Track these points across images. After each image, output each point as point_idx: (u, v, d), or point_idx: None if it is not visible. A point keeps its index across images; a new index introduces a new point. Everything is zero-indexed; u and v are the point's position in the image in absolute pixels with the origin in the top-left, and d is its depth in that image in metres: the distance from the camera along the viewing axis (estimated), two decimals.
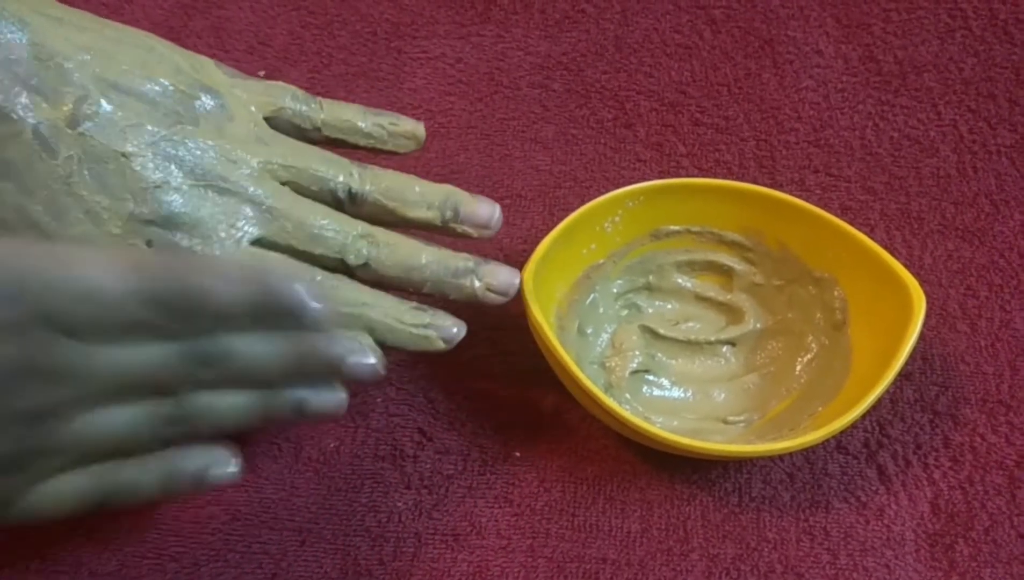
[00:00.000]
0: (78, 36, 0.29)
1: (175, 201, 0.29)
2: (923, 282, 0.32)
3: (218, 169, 0.29)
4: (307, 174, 0.31)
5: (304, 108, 0.33)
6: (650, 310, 0.37)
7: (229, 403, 0.26)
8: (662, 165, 0.41)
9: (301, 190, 0.31)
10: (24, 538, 0.32)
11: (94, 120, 0.28)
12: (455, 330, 0.30)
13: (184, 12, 0.46)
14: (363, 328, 0.30)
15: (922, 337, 0.33)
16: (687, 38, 0.45)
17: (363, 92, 0.44)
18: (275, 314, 0.24)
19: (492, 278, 0.31)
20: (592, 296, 0.36)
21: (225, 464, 0.27)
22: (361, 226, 0.31)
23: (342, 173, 0.31)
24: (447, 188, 0.32)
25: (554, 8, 0.47)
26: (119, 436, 0.25)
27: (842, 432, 0.31)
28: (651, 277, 0.37)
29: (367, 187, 0.32)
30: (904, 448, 0.33)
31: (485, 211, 0.32)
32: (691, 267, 0.37)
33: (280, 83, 0.33)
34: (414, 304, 0.31)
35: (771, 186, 0.36)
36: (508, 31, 0.46)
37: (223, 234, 0.29)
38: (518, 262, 0.32)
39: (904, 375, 0.35)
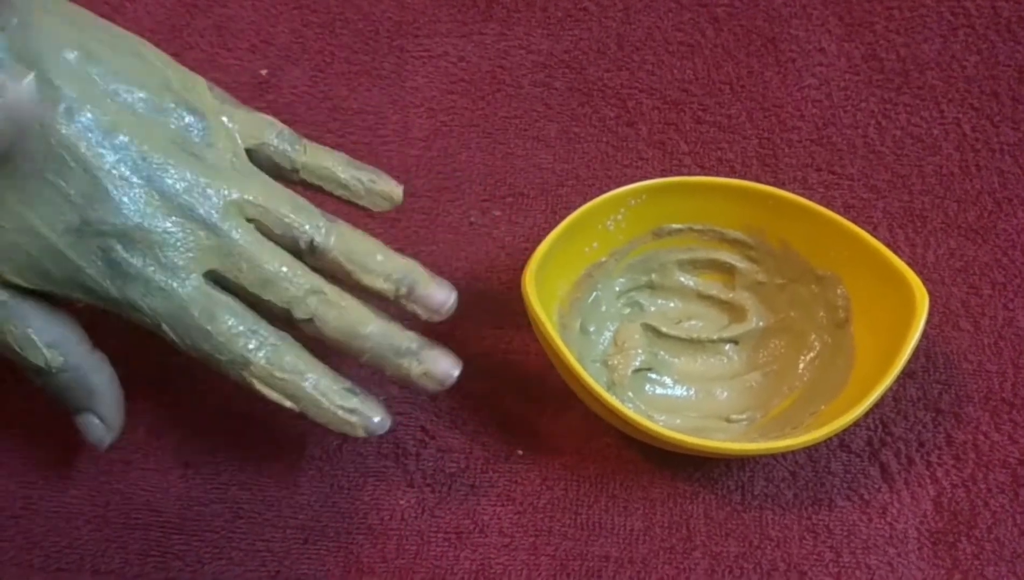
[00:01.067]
0: (67, 31, 0.28)
1: (136, 216, 0.28)
2: (926, 280, 0.32)
3: (187, 194, 0.29)
4: (275, 216, 0.30)
5: (287, 148, 0.32)
6: (652, 308, 0.37)
7: None
8: (664, 163, 0.41)
9: (265, 231, 0.30)
10: (27, 535, 0.32)
11: (67, 118, 0.27)
12: (377, 420, 0.30)
13: (186, 11, 0.46)
14: (291, 396, 0.29)
15: (925, 335, 0.33)
16: (689, 36, 0.45)
17: (365, 90, 0.44)
18: None
19: (432, 365, 0.30)
20: (594, 294, 0.36)
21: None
22: (316, 280, 0.30)
23: (309, 223, 0.30)
24: (409, 263, 0.31)
25: (556, 6, 0.47)
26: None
27: (845, 430, 0.31)
28: (653, 275, 0.37)
29: (331, 242, 0.30)
30: (907, 446, 0.33)
31: (439, 297, 0.31)
32: (693, 265, 0.37)
33: (270, 117, 0.32)
34: (348, 384, 0.30)
35: (774, 184, 0.36)
36: (510, 29, 0.46)
37: (178, 261, 0.28)
38: (520, 260, 0.32)
39: (907, 373, 0.35)
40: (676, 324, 0.37)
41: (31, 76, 0.27)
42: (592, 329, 0.36)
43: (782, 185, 0.39)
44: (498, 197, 0.40)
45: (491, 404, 0.35)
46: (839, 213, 0.34)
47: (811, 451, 0.34)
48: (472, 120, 0.43)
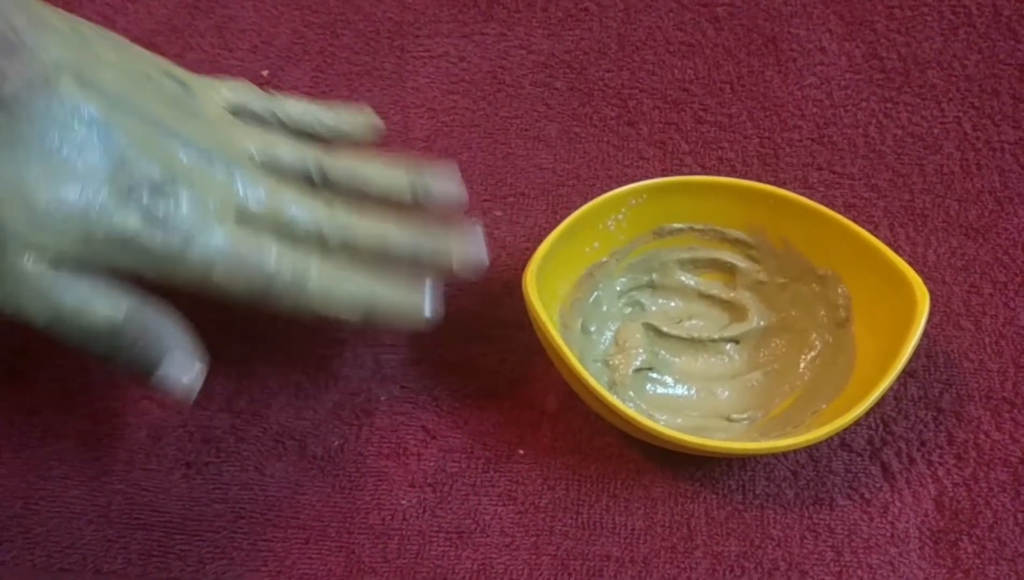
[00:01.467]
0: (50, 16, 0.29)
1: (161, 167, 0.28)
2: (927, 279, 0.32)
3: (204, 143, 0.29)
4: (281, 156, 0.32)
5: (267, 103, 0.34)
6: (653, 308, 0.37)
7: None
8: (665, 163, 0.41)
9: (276, 171, 0.31)
10: (29, 535, 0.32)
11: (78, 85, 0.27)
12: (431, 304, 0.31)
13: (187, 11, 0.47)
14: (349, 304, 0.30)
15: (926, 334, 0.33)
16: (690, 36, 0.45)
17: (366, 91, 0.44)
18: None
19: (462, 252, 0.32)
20: (595, 294, 0.36)
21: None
22: (337, 206, 0.31)
23: (313, 155, 0.32)
24: (414, 166, 0.33)
25: (557, 6, 0.47)
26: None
27: (846, 429, 0.31)
28: (654, 275, 0.37)
29: (339, 166, 0.32)
30: (908, 445, 0.33)
31: (452, 187, 0.33)
32: (694, 265, 0.37)
33: (243, 80, 0.34)
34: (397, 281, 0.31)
35: (774, 183, 0.36)
36: (511, 29, 0.46)
37: (211, 205, 0.29)
38: (521, 260, 0.32)
39: (908, 372, 0.35)
40: (677, 323, 0.37)
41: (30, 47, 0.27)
42: (593, 329, 0.36)
43: (783, 184, 0.39)
44: (498, 197, 0.40)
45: (492, 404, 0.35)
46: (840, 212, 0.34)
47: (812, 450, 0.34)
48: (473, 120, 0.43)
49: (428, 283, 0.31)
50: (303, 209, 0.31)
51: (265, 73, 0.44)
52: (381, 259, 0.31)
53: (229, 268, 0.29)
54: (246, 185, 0.30)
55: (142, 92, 0.29)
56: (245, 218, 0.30)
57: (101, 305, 0.28)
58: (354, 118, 0.35)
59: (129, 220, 0.28)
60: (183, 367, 0.29)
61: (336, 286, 0.30)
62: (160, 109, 0.29)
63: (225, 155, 0.30)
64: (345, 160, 0.33)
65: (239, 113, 0.33)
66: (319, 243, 0.31)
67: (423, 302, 0.31)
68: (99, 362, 0.29)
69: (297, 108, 0.34)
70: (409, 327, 0.31)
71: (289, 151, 0.32)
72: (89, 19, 0.31)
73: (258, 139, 0.32)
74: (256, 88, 0.34)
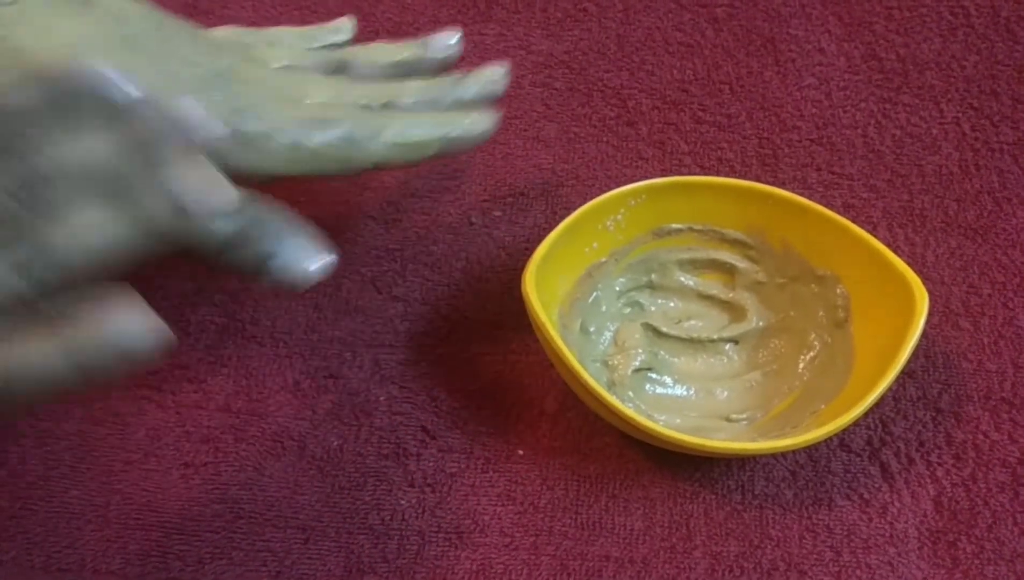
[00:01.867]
0: None
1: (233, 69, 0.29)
2: (926, 280, 0.32)
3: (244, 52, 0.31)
4: (301, 63, 0.33)
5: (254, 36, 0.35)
6: (653, 308, 0.37)
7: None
8: (664, 163, 0.41)
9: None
10: (28, 535, 0.32)
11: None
12: (493, 120, 0.33)
13: (187, 11, 0.47)
14: (427, 140, 0.31)
15: (925, 335, 0.33)
16: (689, 36, 0.45)
17: None
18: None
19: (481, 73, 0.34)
20: (595, 294, 0.36)
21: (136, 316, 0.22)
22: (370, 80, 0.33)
23: (326, 55, 0.33)
24: (414, 40, 0.35)
25: (556, 7, 0.47)
26: None
27: (845, 430, 0.31)
28: (653, 275, 0.37)
29: (355, 52, 0.34)
30: (907, 445, 0.34)
31: (448, 36, 0.35)
32: (693, 265, 0.37)
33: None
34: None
35: (773, 184, 0.36)
36: (510, 30, 0.46)
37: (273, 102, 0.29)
38: (521, 260, 0.32)
39: (907, 373, 0.35)
40: (676, 324, 0.37)
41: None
42: (592, 329, 0.36)
43: (782, 185, 0.39)
44: (498, 197, 0.40)
45: (491, 404, 0.35)
46: (839, 213, 0.34)
47: (811, 451, 0.34)
48: None
49: (475, 100, 0.33)
50: (343, 87, 0.31)
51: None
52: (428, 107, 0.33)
53: (311, 143, 0.29)
54: (292, 80, 0.31)
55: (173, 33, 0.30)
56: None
57: (216, 185, 0.26)
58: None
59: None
60: (304, 257, 0.27)
61: (407, 128, 0.31)
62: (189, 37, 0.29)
63: (262, 63, 0.31)
64: (358, 48, 0.34)
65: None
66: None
67: (484, 117, 0.32)
68: (204, 260, 0.27)
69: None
70: (478, 143, 0.32)
71: (304, 56, 0.33)
72: None
73: (274, 54, 0.33)
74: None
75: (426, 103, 0.32)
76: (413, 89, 0.32)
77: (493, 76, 0.34)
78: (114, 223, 0.24)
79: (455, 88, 0.33)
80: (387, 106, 0.32)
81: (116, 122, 0.24)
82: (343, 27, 0.36)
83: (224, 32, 0.34)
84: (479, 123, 0.32)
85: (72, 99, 0.23)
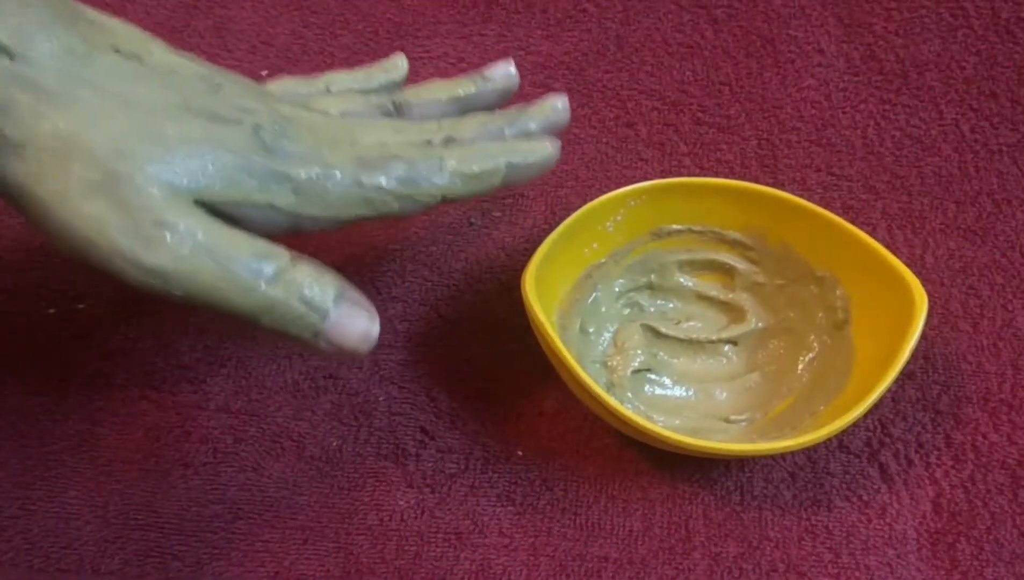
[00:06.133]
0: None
1: (284, 116, 0.29)
2: (925, 281, 0.32)
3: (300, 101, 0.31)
4: (364, 102, 0.33)
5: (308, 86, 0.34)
6: (652, 309, 0.37)
7: None
8: (664, 164, 0.41)
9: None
10: (27, 535, 0.32)
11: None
12: (554, 147, 0.32)
13: (186, 11, 0.47)
14: (488, 171, 0.31)
15: (924, 336, 0.33)
16: (689, 37, 0.45)
17: None
18: None
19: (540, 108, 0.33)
20: (594, 295, 0.36)
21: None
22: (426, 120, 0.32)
23: (380, 98, 0.33)
24: (467, 75, 0.34)
25: (556, 8, 0.47)
26: None
27: (844, 431, 0.31)
28: (653, 276, 0.37)
29: (407, 93, 0.33)
30: (906, 447, 0.34)
31: (505, 67, 0.34)
32: (693, 266, 0.37)
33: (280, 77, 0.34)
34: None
35: (773, 185, 0.36)
36: (510, 30, 0.46)
37: (327, 142, 0.29)
38: (520, 262, 0.32)
39: (906, 374, 0.35)
40: (675, 325, 0.37)
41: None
42: (591, 330, 0.36)
43: (781, 186, 0.39)
44: (497, 198, 0.40)
45: (491, 405, 0.35)
46: (838, 214, 0.34)
47: (810, 452, 0.34)
48: None
49: (537, 132, 0.32)
50: (402, 125, 0.31)
51: (264, 73, 0.44)
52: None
53: (371, 179, 0.29)
54: (354, 127, 0.31)
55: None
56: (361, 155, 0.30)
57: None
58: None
59: (255, 156, 0.28)
60: (360, 309, 0.28)
61: (470, 159, 0.30)
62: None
63: (319, 110, 0.31)
64: (409, 90, 0.33)
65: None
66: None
67: (547, 144, 0.31)
68: (242, 324, 0.27)
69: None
70: (543, 170, 0.32)
71: (361, 101, 0.33)
72: None
73: (331, 102, 0.32)
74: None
75: (488, 136, 0.32)
76: (474, 124, 0.32)
77: (555, 106, 0.33)
78: None
79: (517, 120, 0.32)
80: (448, 141, 0.31)
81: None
82: (397, 65, 0.35)
83: (279, 84, 0.34)
84: (542, 149, 0.31)
85: None
